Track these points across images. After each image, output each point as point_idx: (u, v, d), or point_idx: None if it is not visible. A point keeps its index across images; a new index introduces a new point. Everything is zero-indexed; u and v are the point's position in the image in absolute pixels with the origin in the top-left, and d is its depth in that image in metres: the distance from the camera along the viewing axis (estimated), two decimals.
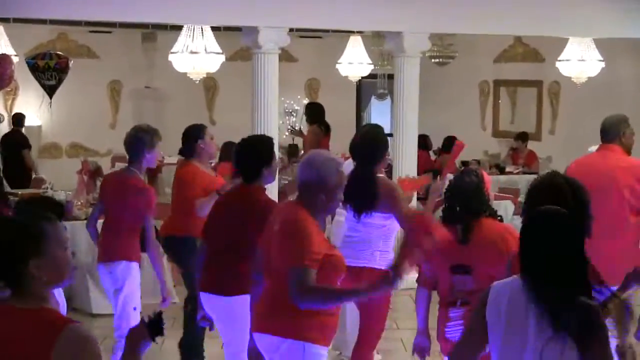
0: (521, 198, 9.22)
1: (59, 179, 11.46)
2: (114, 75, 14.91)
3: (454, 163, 7.00)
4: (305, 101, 13.97)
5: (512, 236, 4.06)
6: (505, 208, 9.78)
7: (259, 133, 7.67)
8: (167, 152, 10.82)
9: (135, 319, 5.35)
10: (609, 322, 3.05)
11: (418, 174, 8.88)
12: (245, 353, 4.33)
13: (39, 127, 14.37)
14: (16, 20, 10.97)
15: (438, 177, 5.86)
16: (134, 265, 5.73)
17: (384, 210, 5.20)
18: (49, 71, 11.17)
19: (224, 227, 4.83)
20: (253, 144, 4.98)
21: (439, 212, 4.60)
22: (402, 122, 9.04)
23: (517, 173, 12.65)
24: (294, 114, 13.66)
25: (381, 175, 5.40)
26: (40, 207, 3.47)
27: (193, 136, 6.33)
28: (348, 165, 4.98)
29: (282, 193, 8.98)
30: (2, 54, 9.34)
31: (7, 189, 8.99)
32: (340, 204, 4.31)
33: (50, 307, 2.59)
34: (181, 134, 6.42)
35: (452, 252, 4.26)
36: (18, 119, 12.76)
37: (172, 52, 10.39)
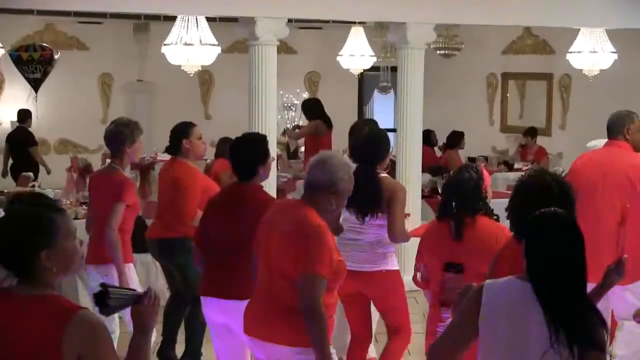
0: None
1: (46, 176, 11.38)
2: (104, 68, 14.80)
3: None
4: (305, 95, 14.11)
5: (506, 238, 3.98)
6: None
7: (256, 128, 7.83)
8: (160, 148, 10.50)
9: None
10: None
11: (422, 171, 9.04)
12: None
13: None
14: (1, 10, 10.82)
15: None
16: (129, 266, 5.61)
17: (385, 211, 5.27)
18: (33, 64, 11.24)
19: (225, 229, 4.72)
20: (247, 142, 4.92)
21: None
22: (406, 116, 8.91)
23: (526, 170, 12.35)
24: (293, 109, 13.65)
25: (384, 174, 5.41)
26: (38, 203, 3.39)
27: (179, 134, 6.18)
28: None
29: (280, 191, 9.15)
30: None
31: None
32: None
33: (59, 295, 2.68)
34: None
35: (444, 248, 4.31)
36: (23, 116, 12.34)
37: (165, 44, 10.18)
